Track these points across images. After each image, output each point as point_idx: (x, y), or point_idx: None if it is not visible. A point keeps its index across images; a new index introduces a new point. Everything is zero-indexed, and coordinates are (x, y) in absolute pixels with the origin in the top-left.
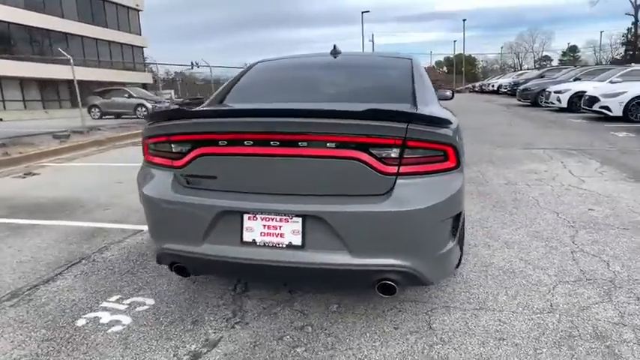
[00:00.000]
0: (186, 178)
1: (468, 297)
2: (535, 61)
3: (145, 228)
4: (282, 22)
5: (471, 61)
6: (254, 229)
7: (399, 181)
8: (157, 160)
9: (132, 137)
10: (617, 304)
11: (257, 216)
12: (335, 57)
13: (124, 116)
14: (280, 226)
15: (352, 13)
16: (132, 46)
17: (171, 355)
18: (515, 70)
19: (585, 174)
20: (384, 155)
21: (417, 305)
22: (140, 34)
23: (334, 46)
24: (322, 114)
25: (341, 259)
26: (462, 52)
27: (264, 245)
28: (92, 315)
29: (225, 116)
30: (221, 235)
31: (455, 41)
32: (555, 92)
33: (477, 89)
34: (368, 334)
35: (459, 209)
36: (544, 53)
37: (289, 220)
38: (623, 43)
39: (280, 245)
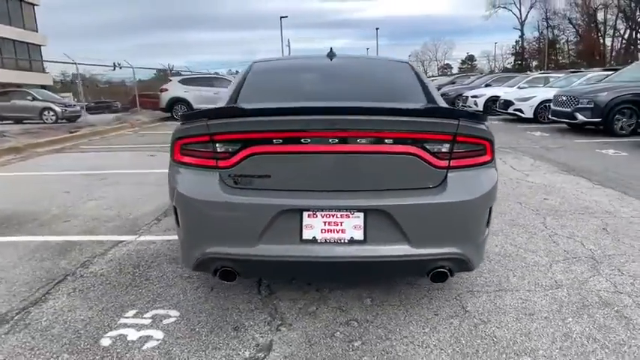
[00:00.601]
0: (234, 179)
1: (485, 281)
2: (438, 69)
3: (127, 238)
4: (199, 23)
5: None
6: (314, 226)
7: (449, 174)
8: (195, 160)
9: (53, 144)
10: (606, 276)
11: (317, 213)
12: (331, 59)
13: (26, 121)
14: (341, 222)
15: (270, 18)
16: (27, 43)
17: None
18: None
19: (525, 168)
20: (436, 150)
21: (444, 292)
22: (37, 31)
23: (331, 49)
24: (382, 112)
25: (401, 250)
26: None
27: (325, 242)
28: (115, 333)
29: (281, 114)
30: (278, 234)
31: (368, 49)
32: (472, 97)
33: None
34: (414, 322)
35: (495, 199)
36: (446, 61)
37: (350, 216)
38: (512, 54)
39: (342, 241)
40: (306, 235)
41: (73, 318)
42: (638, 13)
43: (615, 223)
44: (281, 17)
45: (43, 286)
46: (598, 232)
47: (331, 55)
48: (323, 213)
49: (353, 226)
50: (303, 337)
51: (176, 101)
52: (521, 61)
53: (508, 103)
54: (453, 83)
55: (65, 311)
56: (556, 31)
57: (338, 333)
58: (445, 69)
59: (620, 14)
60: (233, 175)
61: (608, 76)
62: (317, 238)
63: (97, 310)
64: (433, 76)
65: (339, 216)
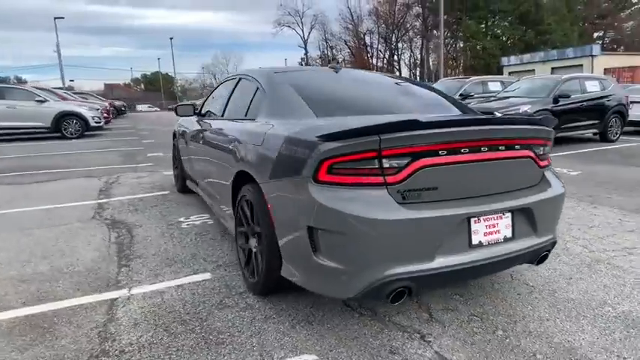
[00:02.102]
0: (402, 194)
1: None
2: None
3: (120, 294)
4: None
5: (169, 79)
6: (479, 231)
7: (545, 173)
8: (353, 179)
9: None
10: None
11: (480, 218)
12: (336, 73)
13: None
14: (497, 224)
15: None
16: None
17: None
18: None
19: None
20: (539, 152)
21: (530, 286)
22: None
23: (337, 61)
24: (515, 122)
25: (532, 241)
26: (173, 69)
27: (488, 244)
28: None
29: (445, 126)
30: (452, 244)
31: (159, 58)
32: None
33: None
34: (529, 310)
35: None
36: None
37: (502, 217)
38: None
39: (499, 241)
40: (474, 240)
41: None
42: (394, 39)
43: None
44: (55, 18)
45: None
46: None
47: (336, 68)
48: (484, 217)
49: (505, 225)
50: (458, 342)
51: None
52: None
53: None
54: None
55: None
56: (334, 51)
57: (482, 330)
58: None
59: (382, 39)
60: (402, 190)
61: None
62: (482, 241)
63: None
64: None
65: (495, 218)
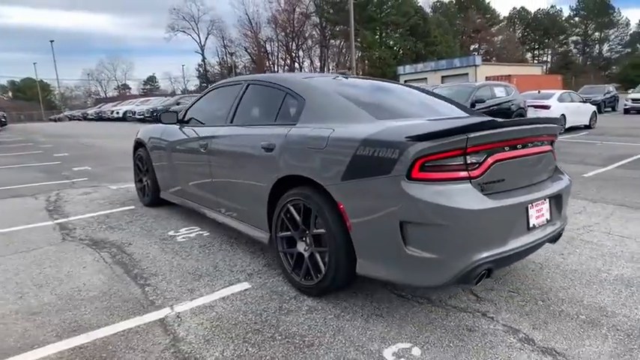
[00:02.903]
0: (481, 186)
1: None
2: (115, 89)
3: (164, 313)
4: None
5: (45, 86)
6: (533, 215)
7: (557, 165)
8: (440, 174)
9: None
10: None
11: (533, 204)
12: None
13: None
14: (542, 208)
15: None
16: None
17: None
18: (98, 97)
19: None
20: (553, 147)
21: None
22: None
23: (348, 68)
24: (548, 121)
25: (559, 222)
26: (55, 75)
27: (537, 227)
28: None
29: (510, 126)
30: (517, 228)
31: (35, 63)
32: None
33: (89, 116)
34: (551, 282)
35: None
36: (127, 81)
37: (544, 202)
38: (197, 76)
39: (543, 223)
40: (531, 224)
41: None
42: (293, 47)
43: None
44: None
45: None
46: None
47: (346, 75)
48: (535, 203)
49: (546, 210)
50: (515, 313)
51: None
52: (207, 84)
53: None
54: (179, 104)
55: None
56: (235, 57)
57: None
58: (123, 89)
59: (283, 47)
60: (481, 182)
61: None
62: (535, 224)
63: None
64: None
65: (541, 204)
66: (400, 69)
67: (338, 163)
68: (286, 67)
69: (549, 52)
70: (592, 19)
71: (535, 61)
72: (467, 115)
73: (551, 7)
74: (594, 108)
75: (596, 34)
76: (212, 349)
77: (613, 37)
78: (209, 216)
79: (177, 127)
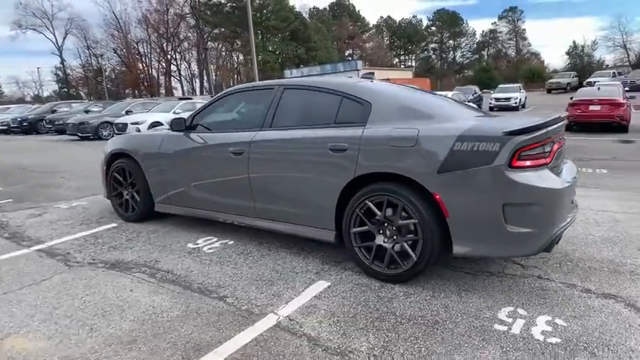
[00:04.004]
0: (551, 170)
1: None
2: None
3: (273, 319)
4: None
5: None
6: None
7: None
8: (531, 162)
9: None
10: None
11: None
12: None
13: None
14: (574, 189)
15: None
16: None
17: None
18: None
19: None
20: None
21: None
22: None
23: (372, 73)
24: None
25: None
26: None
27: (574, 203)
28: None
29: (559, 122)
30: (569, 205)
31: None
32: (132, 123)
33: None
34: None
35: None
36: None
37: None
38: (57, 81)
39: (574, 200)
40: (574, 202)
41: None
42: (169, 49)
43: None
44: None
45: None
46: None
47: (371, 79)
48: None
49: (573, 191)
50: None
51: None
52: (68, 89)
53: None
54: (54, 112)
55: None
56: (101, 59)
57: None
58: None
59: (158, 49)
60: (549, 167)
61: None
62: (573, 201)
63: None
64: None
65: (574, 184)
66: (287, 72)
67: (432, 158)
68: (162, 69)
69: (413, 57)
70: (446, 29)
71: (402, 66)
72: (484, 114)
73: (413, 17)
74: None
75: (450, 41)
76: (356, 340)
77: (464, 44)
78: (239, 223)
79: (181, 134)
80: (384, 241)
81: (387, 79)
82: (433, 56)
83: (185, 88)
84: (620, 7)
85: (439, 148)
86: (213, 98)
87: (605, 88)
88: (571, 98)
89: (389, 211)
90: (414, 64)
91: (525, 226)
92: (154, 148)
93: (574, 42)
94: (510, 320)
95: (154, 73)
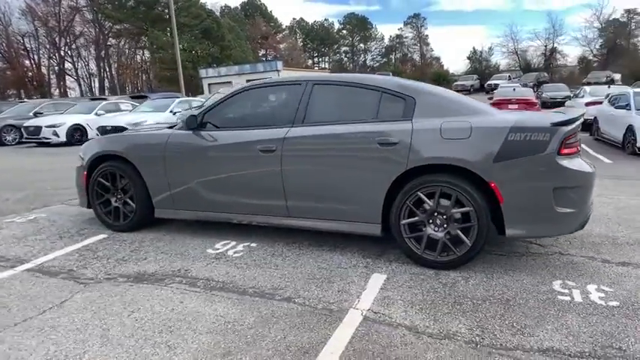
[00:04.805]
0: (580, 158)
1: None
2: None
3: (356, 312)
4: None
5: None
6: None
7: None
8: (571, 150)
9: None
10: None
11: None
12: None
13: None
14: None
15: None
16: None
17: None
18: None
19: None
20: None
21: None
22: None
23: (392, 73)
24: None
25: None
26: None
27: None
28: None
29: (580, 118)
30: None
31: None
32: (47, 127)
33: None
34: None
35: None
36: None
37: None
38: None
39: None
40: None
41: None
42: (62, 45)
43: None
44: None
45: None
46: None
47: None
48: None
49: None
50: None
51: None
52: None
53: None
54: None
55: None
56: None
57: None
58: None
59: (50, 45)
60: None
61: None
62: None
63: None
64: None
65: None
66: (203, 72)
67: (488, 148)
68: (56, 67)
69: (327, 59)
70: (356, 33)
71: (316, 67)
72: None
73: (325, 19)
74: None
75: (361, 45)
76: (451, 324)
77: (373, 48)
78: (264, 224)
79: (189, 132)
80: (434, 230)
81: None
82: (345, 59)
83: (83, 88)
84: (510, 18)
85: (494, 139)
86: (227, 95)
87: (519, 89)
88: (490, 98)
89: (441, 201)
90: (327, 65)
91: (570, 207)
92: (156, 148)
93: (474, 48)
94: (567, 291)
95: (45, 72)
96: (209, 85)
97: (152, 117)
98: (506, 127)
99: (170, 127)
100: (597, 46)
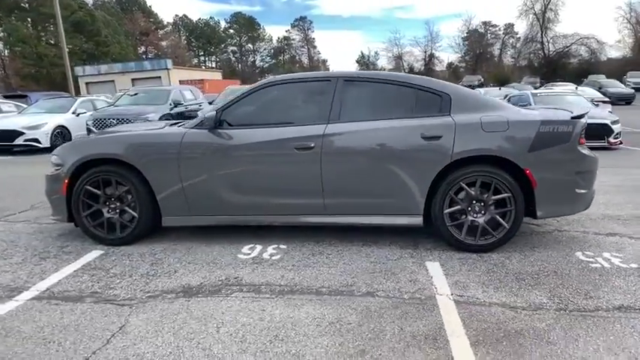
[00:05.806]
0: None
1: None
2: None
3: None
4: None
5: None
6: None
7: None
8: (582, 140)
9: None
10: None
11: None
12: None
13: None
14: None
15: None
16: None
17: None
18: None
19: None
20: None
21: None
22: None
23: (411, 69)
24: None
25: None
26: None
27: None
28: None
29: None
30: None
31: None
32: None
33: None
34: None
35: None
36: None
37: None
38: None
39: None
40: None
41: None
42: None
43: None
44: None
45: None
46: None
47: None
48: None
49: None
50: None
51: None
52: None
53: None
54: None
55: None
56: None
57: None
58: None
59: None
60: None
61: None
62: None
63: None
64: None
65: None
66: (79, 70)
67: (523, 139)
68: None
69: (213, 58)
70: (244, 33)
71: (203, 67)
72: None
73: (210, 18)
74: None
75: (249, 45)
76: (530, 296)
77: (262, 49)
78: (298, 223)
79: (205, 131)
80: (474, 217)
81: (202, 81)
82: (233, 58)
83: None
84: (394, 25)
85: (528, 132)
86: (246, 92)
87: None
88: None
89: (480, 189)
90: (214, 65)
91: (585, 188)
92: (168, 150)
93: (362, 52)
94: (592, 260)
95: None
96: (86, 84)
97: (51, 119)
98: (537, 121)
99: (171, 126)
100: (463, 53)
